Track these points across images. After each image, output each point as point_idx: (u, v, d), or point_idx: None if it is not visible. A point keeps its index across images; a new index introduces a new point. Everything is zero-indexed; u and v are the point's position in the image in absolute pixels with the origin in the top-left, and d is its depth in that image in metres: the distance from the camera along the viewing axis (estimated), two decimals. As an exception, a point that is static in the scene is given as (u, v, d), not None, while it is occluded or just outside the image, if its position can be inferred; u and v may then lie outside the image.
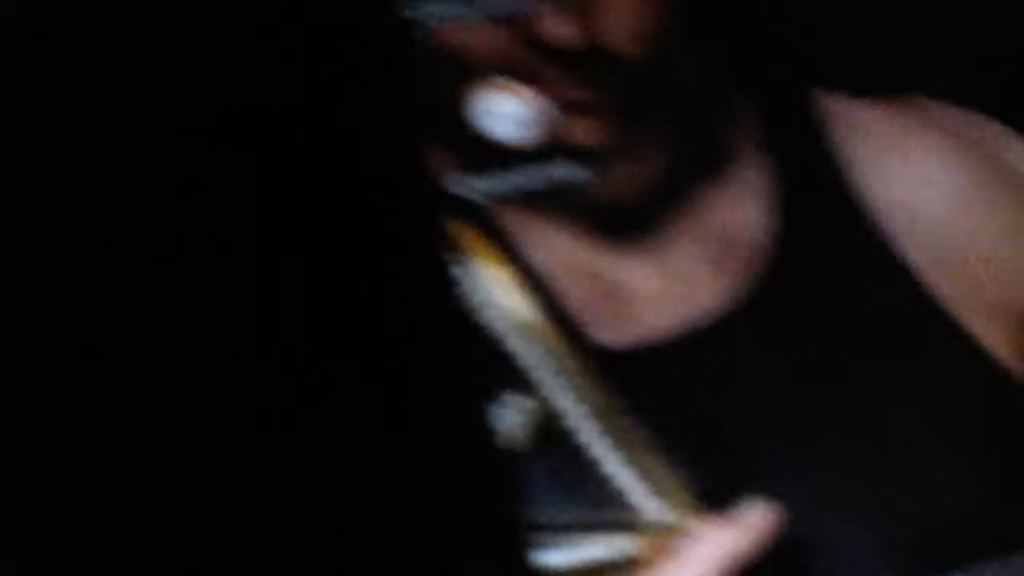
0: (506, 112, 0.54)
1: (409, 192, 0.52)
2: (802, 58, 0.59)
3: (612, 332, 0.58)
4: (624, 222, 0.58)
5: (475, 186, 0.54)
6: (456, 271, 0.54)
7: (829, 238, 0.58)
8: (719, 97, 0.59)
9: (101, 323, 0.45)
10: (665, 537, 0.54)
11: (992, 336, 0.58)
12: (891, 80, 0.61)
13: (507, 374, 0.55)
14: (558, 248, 0.58)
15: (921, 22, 0.61)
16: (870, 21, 0.60)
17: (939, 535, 0.56)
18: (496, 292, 0.56)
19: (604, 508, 0.56)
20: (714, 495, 0.55)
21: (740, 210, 0.59)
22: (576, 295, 0.57)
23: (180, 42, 0.48)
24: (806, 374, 0.57)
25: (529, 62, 0.54)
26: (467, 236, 0.56)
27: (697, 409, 0.57)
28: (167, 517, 0.44)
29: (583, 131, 0.54)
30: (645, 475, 0.55)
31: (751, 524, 0.53)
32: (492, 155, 0.54)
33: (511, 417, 0.55)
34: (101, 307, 0.45)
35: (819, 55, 0.60)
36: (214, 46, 0.49)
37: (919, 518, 0.56)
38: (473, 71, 0.54)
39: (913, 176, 0.59)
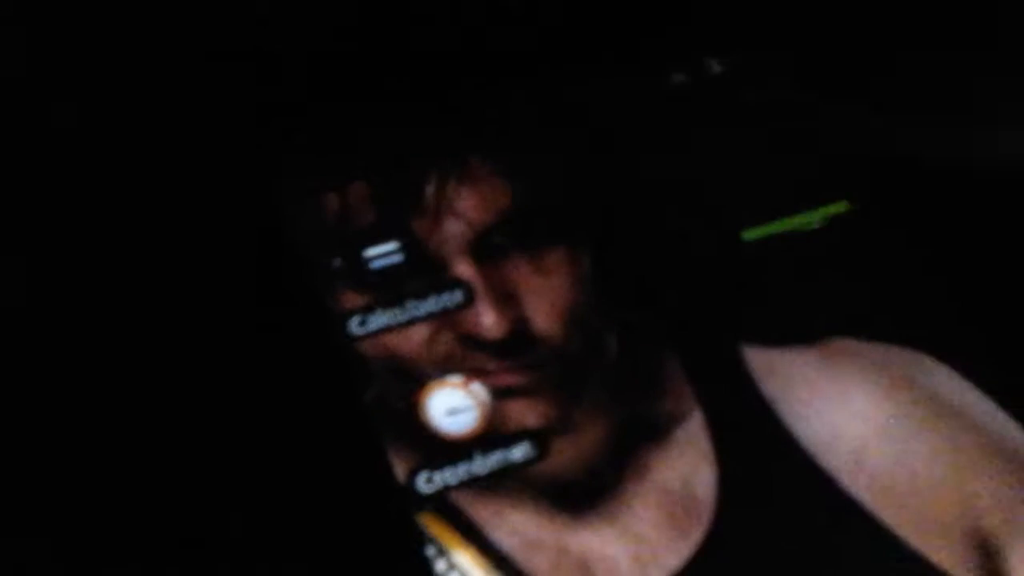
0: (451, 407, 0.58)
1: (378, 496, 0.56)
2: (726, 316, 0.63)
3: None
4: (577, 494, 0.61)
5: (434, 479, 0.58)
6: (430, 562, 0.57)
7: (771, 483, 0.61)
8: (650, 362, 0.63)
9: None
10: None
11: (946, 559, 0.61)
12: (812, 325, 0.65)
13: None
14: (520, 527, 0.61)
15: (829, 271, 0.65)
16: (783, 273, 0.64)
17: None
18: (467, 576, 0.59)
19: None
20: None
21: (683, 466, 0.62)
22: (543, 571, 0.60)
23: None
24: None
25: (465, 356, 0.58)
26: (434, 527, 0.59)
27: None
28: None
29: (523, 414, 0.58)
30: None
31: None
32: (445, 448, 0.58)
33: None
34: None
35: (741, 311, 0.64)
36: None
37: None
38: (415, 372, 0.58)
39: (843, 414, 0.63)
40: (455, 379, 0.58)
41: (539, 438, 0.58)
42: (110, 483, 0.53)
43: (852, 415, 0.63)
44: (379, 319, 0.57)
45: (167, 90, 0.55)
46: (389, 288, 0.57)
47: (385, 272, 0.57)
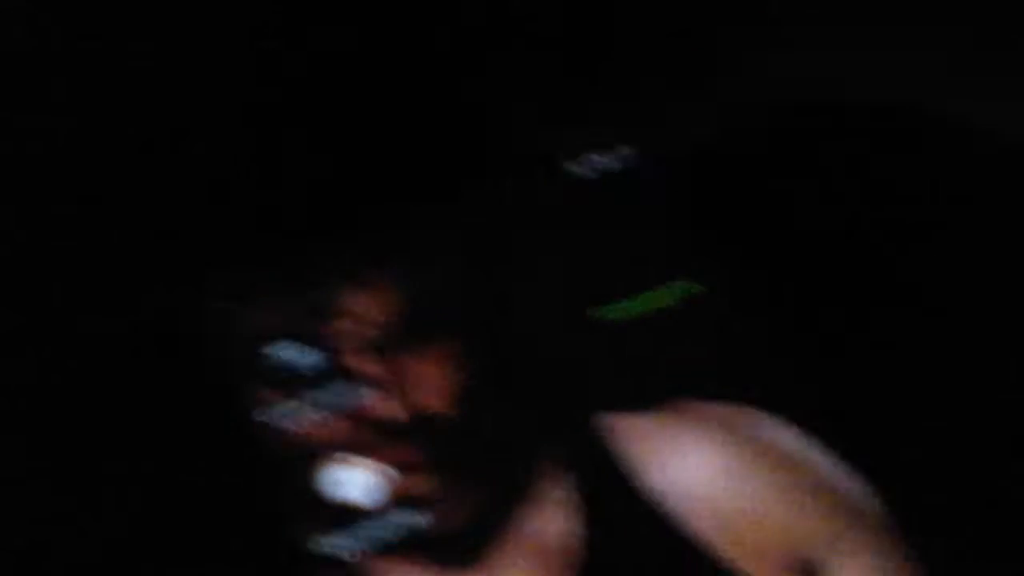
0: (353, 481, 0.65)
1: (278, 559, 0.63)
2: (587, 391, 0.72)
3: None
4: (460, 551, 0.69)
5: (335, 543, 0.65)
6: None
7: (629, 533, 0.70)
8: (526, 433, 0.71)
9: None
10: None
11: None
12: (665, 391, 0.74)
13: None
14: None
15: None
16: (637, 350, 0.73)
17: None
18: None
19: None
20: None
21: (553, 523, 0.71)
22: None
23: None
24: None
25: (366, 437, 0.65)
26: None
27: None
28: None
29: (416, 486, 0.65)
30: None
31: None
32: (346, 516, 0.65)
33: None
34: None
35: (601, 381, 0.72)
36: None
37: None
38: (319, 451, 0.65)
39: (688, 465, 0.72)
40: (357, 457, 0.65)
41: (430, 506, 0.66)
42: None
43: (695, 465, 0.72)
44: (285, 411, 0.64)
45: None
46: (294, 384, 0.64)
47: (291, 369, 0.64)
